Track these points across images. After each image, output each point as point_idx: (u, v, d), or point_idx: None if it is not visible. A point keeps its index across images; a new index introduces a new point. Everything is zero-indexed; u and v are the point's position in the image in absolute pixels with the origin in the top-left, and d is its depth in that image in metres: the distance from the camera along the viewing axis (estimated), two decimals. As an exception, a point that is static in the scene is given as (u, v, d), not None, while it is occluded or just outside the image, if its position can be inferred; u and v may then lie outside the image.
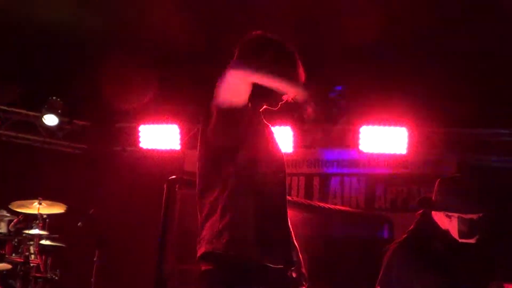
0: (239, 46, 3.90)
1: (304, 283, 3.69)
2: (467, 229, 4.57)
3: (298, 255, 3.81)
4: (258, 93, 3.70)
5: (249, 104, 3.65)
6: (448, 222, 4.60)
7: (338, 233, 7.71)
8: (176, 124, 9.89)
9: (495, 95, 8.87)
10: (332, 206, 8.48)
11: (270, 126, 3.88)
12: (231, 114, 3.56)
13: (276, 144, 3.83)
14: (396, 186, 9.65)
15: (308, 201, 8.34)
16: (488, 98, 8.90)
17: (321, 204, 8.21)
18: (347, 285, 7.51)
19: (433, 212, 4.71)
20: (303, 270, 3.76)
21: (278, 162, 3.76)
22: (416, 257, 4.63)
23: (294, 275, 3.62)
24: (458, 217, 4.56)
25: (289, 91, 3.57)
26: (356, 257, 7.73)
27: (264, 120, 3.86)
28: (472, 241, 4.63)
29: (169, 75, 9.01)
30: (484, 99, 8.89)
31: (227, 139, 3.61)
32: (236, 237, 3.59)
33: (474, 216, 4.54)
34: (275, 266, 3.52)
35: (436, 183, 4.75)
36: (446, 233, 4.63)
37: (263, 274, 3.53)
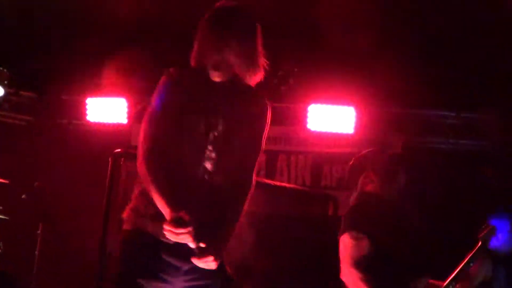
0: None
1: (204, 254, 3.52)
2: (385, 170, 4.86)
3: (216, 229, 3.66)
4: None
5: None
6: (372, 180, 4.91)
7: (283, 210, 7.76)
8: (123, 97, 9.80)
9: (442, 78, 8.95)
10: (278, 183, 8.52)
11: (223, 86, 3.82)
12: None
13: (214, 110, 3.75)
14: (342, 165, 9.68)
15: (255, 178, 8.36)
16: (436, 81, 8.98)
17: (268, 181, 8.24)
18: (292, 260, 7.56)
19: (363, 188, 4.96)
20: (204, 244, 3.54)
21: (201, 130, 3.70)
22: (377, 209, 4.77)
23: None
24: (372, 169, 4.89)
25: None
26: (301, 233, 7.79)
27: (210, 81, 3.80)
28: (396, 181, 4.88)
29: (117, 48, 8.93)
30: (431, 81, 8.98)
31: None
32: (136, 207, 3.71)
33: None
34: (165, 240, 3.55)
35: None
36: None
37: (156, 245, 3.59)
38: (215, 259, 3.51)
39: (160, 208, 3.49)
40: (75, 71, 9.70)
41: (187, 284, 3.70)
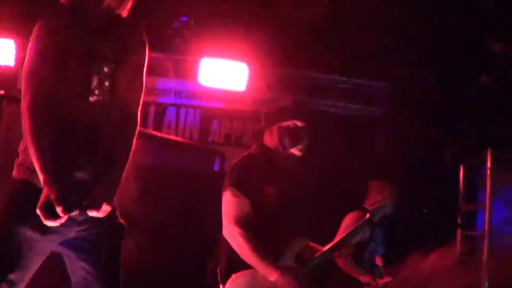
0: None
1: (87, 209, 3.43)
2: (290, 136, 4.86)
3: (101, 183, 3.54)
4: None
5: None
6: (273, 137, 4.91)
7: (170, 163, 7.71)
8: (12, 39, 9.49)
9: (336, 43, 9.01)
10: (165, 136, 8.45)
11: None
12: None
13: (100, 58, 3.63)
14: (231, 121, 9.70)
15: (142, 129, 8.27)
16: (329, 45, 9.04)
17: (155, 133, 8.17)
18: (176, 214, 7.54)
19: (264, 140, 4.98)
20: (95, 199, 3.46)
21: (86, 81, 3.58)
22: (264, 165, 4.83)
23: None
24: (278, 127, 4.88)
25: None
26: (187, 187, 7.77)
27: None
28: (296, 151, 4.91)
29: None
30: (325, 45, 9.03)
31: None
32: (24, 161, 3.56)
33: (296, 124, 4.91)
34: None
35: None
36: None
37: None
38: (108, 204, 3.44)
39: (37, 171, 3.36)
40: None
41: (79, 234, 3.61)
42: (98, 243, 3.60)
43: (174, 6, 8.34)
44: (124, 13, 3.77)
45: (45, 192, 3.28)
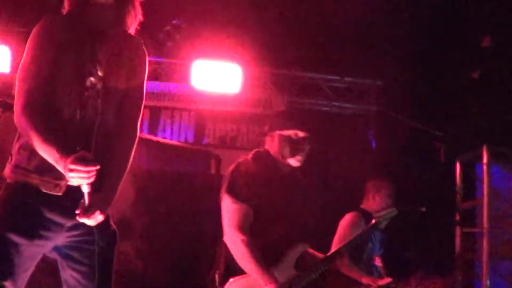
0: None
1: (84, 212, 3.37)
2: (290, 147, 4.81)
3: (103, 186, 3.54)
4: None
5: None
6: (275, 144, 4.92)
7: (165, 166, 7.71)
8: (7, 45, 9.44)
9: (328, 41, 9.01)
10: (161, 140, 8.44)
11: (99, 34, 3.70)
12: None
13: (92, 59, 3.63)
14: (226, 124, 9.68)
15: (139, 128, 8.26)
16: (321, 43, 9.03)
17: (150, 137, 8.15)
18: (172, 218, 7.53)
19: (265, 145, 5.00)
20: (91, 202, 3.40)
21: (82, 81, 3.59)
22: (263, 171, 4.82)
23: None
24: (279, 135, 4.89)
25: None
26: (183, 191, 7.76)
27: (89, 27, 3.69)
28: (294, 161, 4.91)
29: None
30: (317, 45, 9.03)
31: None
32: (19, 162, 3.54)
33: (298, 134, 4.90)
34: (51, 193, 3.45)
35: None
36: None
37: (40, 200, 3.44)
38: (102, 213, 3.41)
39: (49, 156, 3.36)
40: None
41: (69, 239, 3.58)
42: (90, 253, 3.54)
43: (165, 10, 8.32)
44: (131, 28, 3.82)
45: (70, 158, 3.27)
